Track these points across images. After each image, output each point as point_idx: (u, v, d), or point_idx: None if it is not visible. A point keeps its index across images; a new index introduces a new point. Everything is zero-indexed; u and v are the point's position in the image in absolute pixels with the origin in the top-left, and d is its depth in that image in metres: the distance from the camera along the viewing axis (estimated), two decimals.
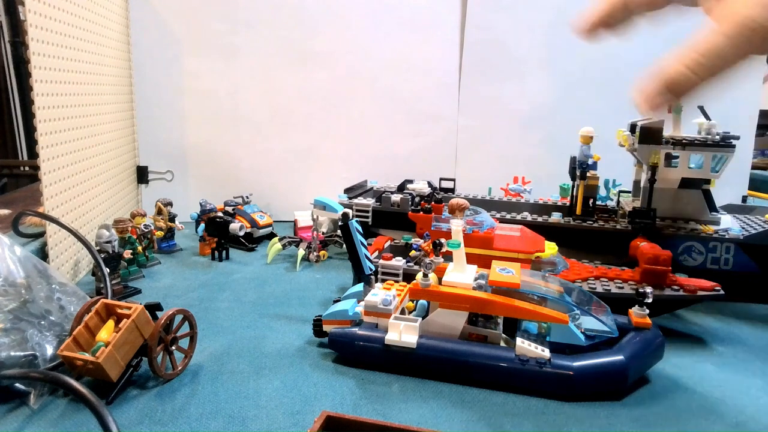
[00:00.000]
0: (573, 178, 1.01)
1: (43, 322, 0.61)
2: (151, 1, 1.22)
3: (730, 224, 0.92)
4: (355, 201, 1.05)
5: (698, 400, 0.60)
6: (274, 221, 1.19)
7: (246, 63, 1.28)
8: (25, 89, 3.00)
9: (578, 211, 0.98)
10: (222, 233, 1.05)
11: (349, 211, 0.74)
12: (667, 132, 0.97)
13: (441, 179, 1.22)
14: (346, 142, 1.33)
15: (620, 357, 0.58)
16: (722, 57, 0.48)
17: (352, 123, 1.33)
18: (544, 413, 0.56)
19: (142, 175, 1.28)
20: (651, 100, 0.53)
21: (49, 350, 0.59)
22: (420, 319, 0.63)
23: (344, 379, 0.61)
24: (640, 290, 0.62)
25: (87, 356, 0.55)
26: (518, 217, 0.99)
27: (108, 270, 0.76)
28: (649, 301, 0.62)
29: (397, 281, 0.80)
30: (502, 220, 0.95)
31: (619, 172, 1.12)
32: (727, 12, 0.49)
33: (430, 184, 1.17)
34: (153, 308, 0.61)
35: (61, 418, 0.53)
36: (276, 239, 1.05)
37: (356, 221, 0.75)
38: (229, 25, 1.26)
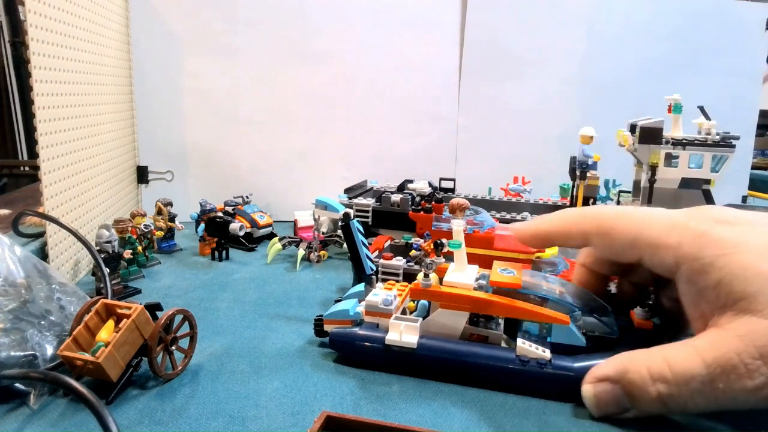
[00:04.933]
0: (573, 178, 1.01)
1: (43, 322, 0.61)
2: (151, 1, 1.22)
3: None
4: (355, 201, 1.05)
5: None
6: (274, 221, 1.19)
7: (246, 63, 1.28)
8: (25, 89, 3.00)
9: None
10: (222, 233, 1.05)
11: (351, 211, 0.74)
12: (667, 132, 0.97)
13: (441, 179, 1.22)
14: (346, 142, 1.33)
15: None
16: (690, 386, 0.42)
17: (352, 123, 1.33)
18: (545, 413, 0.56)
19: (142, 175, 1.28)
20: (602, 403, 0.49)
21: (49, 350, 0.59)
22: (420, 319, 0.63)
23: (344, 379, 0.61)
24: (642, 291, 0.62)
25: (87, 356, 0.55)
26: (518, 217, 0.99)
27: (108, 270, 0.76)
28: (651, 302, 0.62)
29: (397, 281, 0.80)
30: (502, 220, 0.95)
31: (619, 172, 1.12)
32: (717, 337, 0.41)
33: (430, 184, 1.17)
34: (153, 308, 0.61)
35: (61, 418, 0.53)
36: (276, 239, 1.05)
37: (357, 221, 0.75)
38: (229, 25, 1.26)
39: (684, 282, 0.44)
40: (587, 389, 0.50)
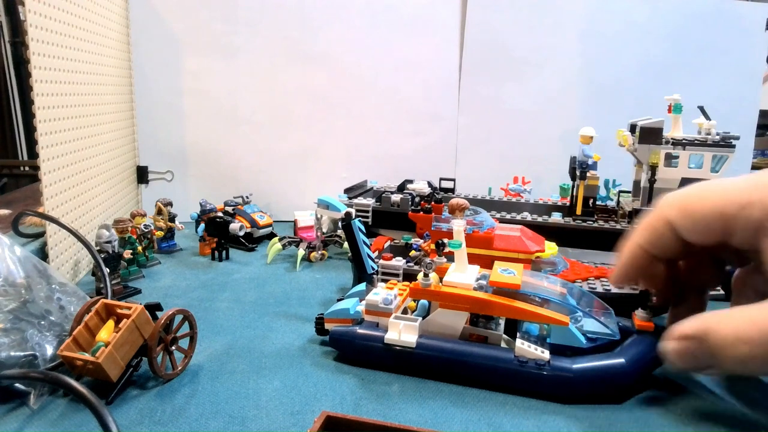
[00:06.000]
0: (573, 178, 1.01)
1: (43, 322, 0.61)
2: (151, 1, 1.22)
3: None
4: (355, 201, 1.05)
5: (698, 400, 0.59)
6: (274, 221, 1.19)
7: (246, 63, 1.28)
8: (25, 89, 3.00)
9: (578, 211, 0.98)
10: (222, 233, 1.05)
11: (352, 210, 0.74)
12: (667, 132, 0.97)
13: (441, 179, 1.22)
14: (346, 142, 1.33)
15: (621, 360, 0.57)
16: None
17: (352, 123, 1.33)
18: (544, 413, 0.56)
19: (142, 175, 1.28)
20: (683, 360, 0.48)
21: (49, 350, 0.59)
22: (420, 318, 0.63)
23: (344, 378, 0.61)
24: (643, 292, 0.62)
25: (87, 356, 0.55)
26: (518, 217, 0.99)
27: (108, 270, 0.76)
28: (653, 303, 0.62)
29: (398, 281, 0.80)
30: (502, 220, 0.95)
31: (619, 172, 1.12)
32: None
33: (430, 184, 1.17)
34: (153, 308, 0.61)
35: (61, 418, 0.53)
36: (276, 239, 1.05)
37: (359, 221, 0.75)
38: (229, 25, 1.26)
39: None
40: (669, 345, 0.49)
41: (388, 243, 0.92)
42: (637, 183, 1.03)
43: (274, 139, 1.32)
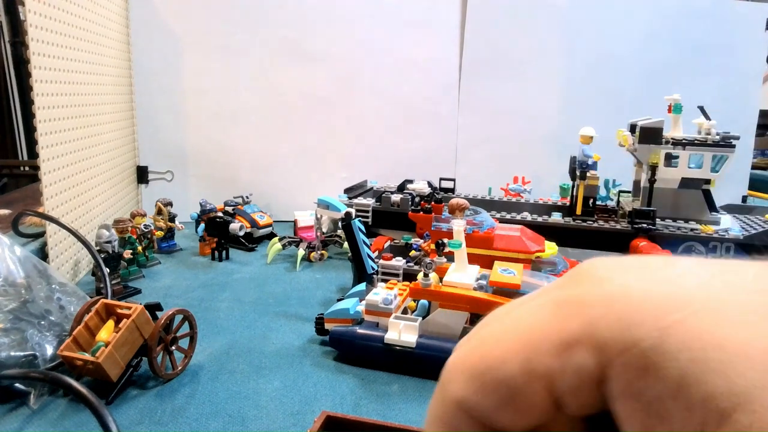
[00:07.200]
0: (573, 178, 1.01)
1: (43, 322, 0.61)
2: (151, 1, 1.22)
3: (730, 224, 0.93)
4: (355, 201, 1.05)
5: None
6: (274, 221, 1.19)
7: (246, 63, 1.28)
8: (25, 89, 2.99)
9: (578, 211, 0.98)
10: (222, 233, 1.05)
11: (352, 210, 0.74)
12: (667, 132, 0.97)
13: (441, 179, 1.22)
14: (346, 142, 1.33)
15: None
16: None
17: (352, 123, 1.33)
18: None
19: (142, 175, 1.28)
20: None
21: (49, 350, 0.59)
22: (420, 318, 0.63)
23: (344, 378, 0.61)
24: None
25: (87, 356, 0.55)
26: (518, 217, 0.99)
27: (108, 270, 0.76)
28: None
29: (398, 281, 0.80)
30: (502, 220, 0.95)
31: (619, 172, 1.12)
32: None
33: (430, 184, 1.17)
34: (153, 308, 0.61)
35: (61, 418, 0.53)
36: (276, 239, 1.05)
37: (359, 221, 0.75)
38: (229, 25, 1.26)
39: (619, 396, 0.15)
40: None
41: (388, 243, 0.92)
42: (637, 183, 1.03)
43: (274, 139, 1.32)
